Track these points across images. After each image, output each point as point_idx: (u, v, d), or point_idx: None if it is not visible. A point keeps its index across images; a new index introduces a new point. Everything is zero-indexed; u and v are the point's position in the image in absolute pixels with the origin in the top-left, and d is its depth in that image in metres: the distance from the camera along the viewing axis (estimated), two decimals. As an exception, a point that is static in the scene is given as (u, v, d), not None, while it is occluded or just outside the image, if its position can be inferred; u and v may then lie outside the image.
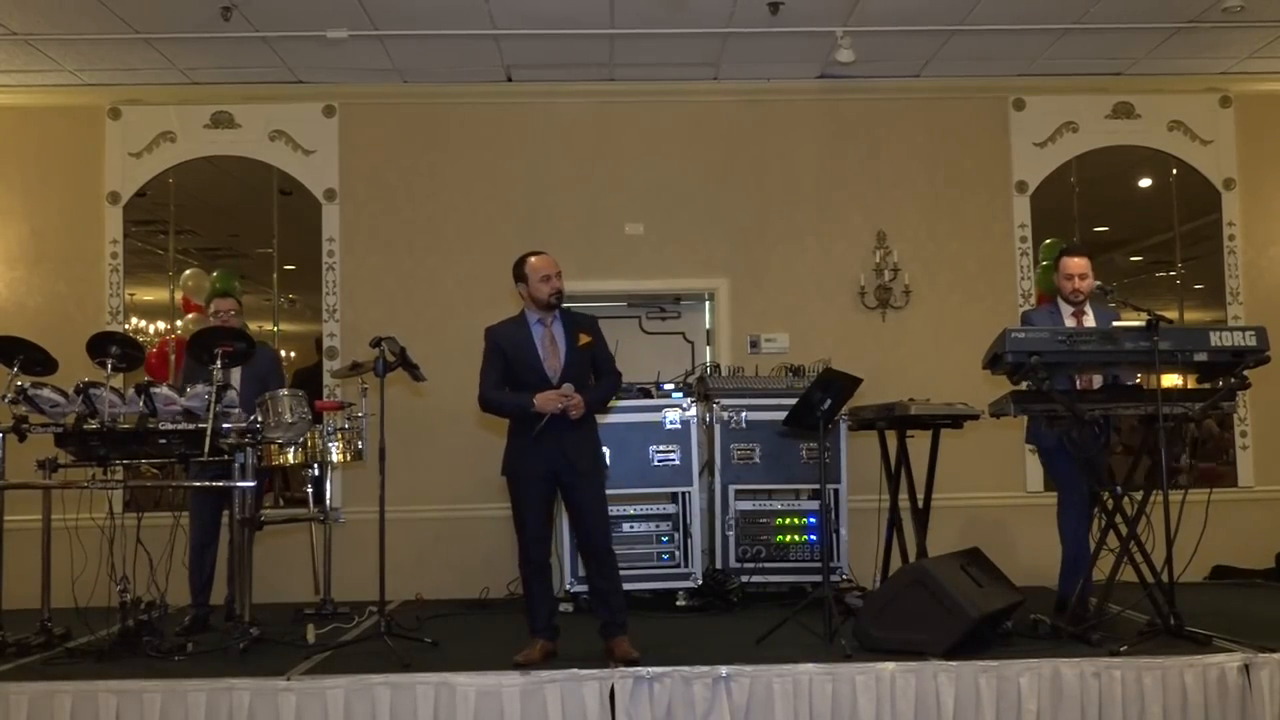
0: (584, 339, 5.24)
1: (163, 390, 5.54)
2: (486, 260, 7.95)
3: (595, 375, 5.32)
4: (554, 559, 5.96)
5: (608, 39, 7.38)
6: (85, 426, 5.45)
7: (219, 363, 5.50)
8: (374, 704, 4.69)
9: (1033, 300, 7.95)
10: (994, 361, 5.35)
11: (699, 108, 8.16)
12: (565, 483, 5.16)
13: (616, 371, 5.41)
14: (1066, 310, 5.93)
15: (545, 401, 5.04)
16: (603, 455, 5.35)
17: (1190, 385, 5.65)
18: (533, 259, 5.27)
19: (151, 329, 7.99)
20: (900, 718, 4.73)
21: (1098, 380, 5.77)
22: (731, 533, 6.88)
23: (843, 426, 6.91)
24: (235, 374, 6.29)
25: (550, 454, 5.09)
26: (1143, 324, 5.17)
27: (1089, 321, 5.87)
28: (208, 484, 5.90)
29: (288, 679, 4.77)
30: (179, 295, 7.92)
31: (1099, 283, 5.84)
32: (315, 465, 6.49)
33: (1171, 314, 7.56)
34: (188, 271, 7.90)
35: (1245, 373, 5.30)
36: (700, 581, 6.76)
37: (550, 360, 5.18)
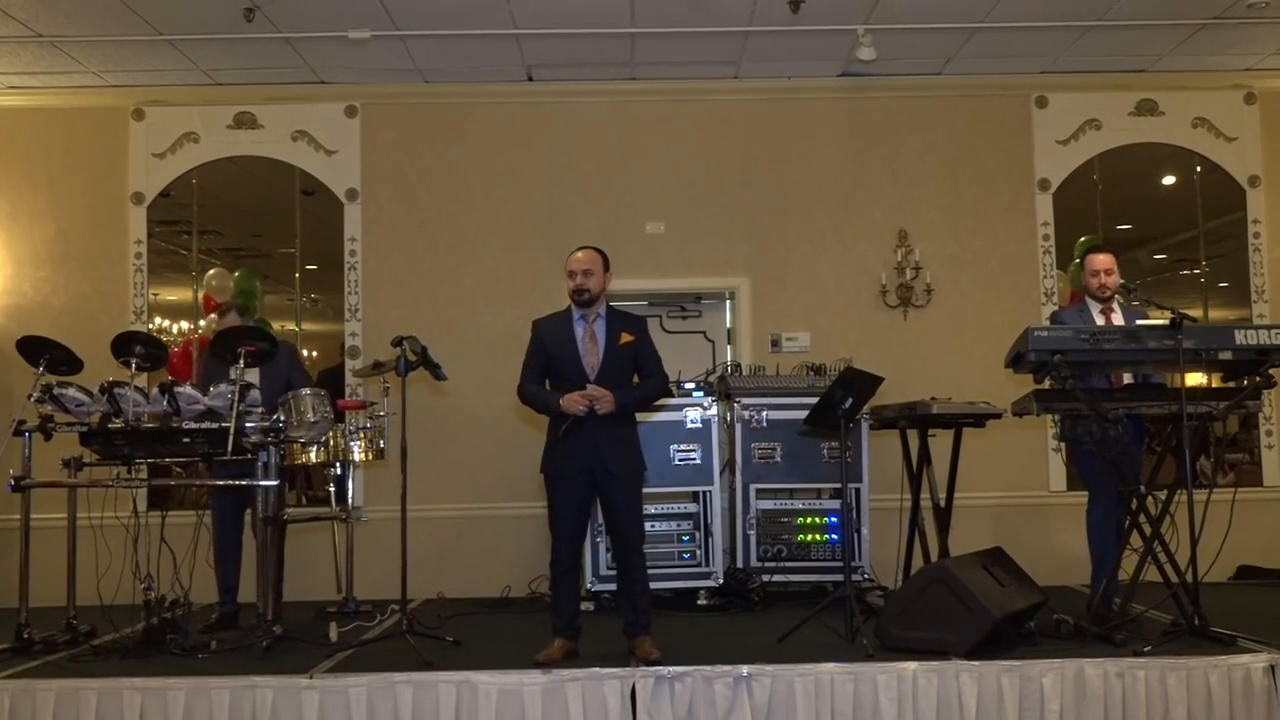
0: (625, 338, 5.24)
1: (186, 389, 5.59)
2: (507, 259, 7.97)
3: (639, 376, 5.31)
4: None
5: (628, 38, 7.38)
6: (110, 425, 5.50)
7: (241, 362, 5.52)
8: (396, 702, 4.72)
9: (1056, 299, 7.92)
10: (1016, 360, 5.34)
11: (720, 106, 8.15)
12: (601, 482, 5.15)
13: (662, 374, 5.36)
14: (1095, 308, 5.91)
15: (570, 402, 5.06)
16: (640, 456, 5.29)
17: (1215, 384, 5.60)
18: (573, 254, 5.31)
19: (175, 329, 8.03)
20: (922, 718, 4.72)
21: (1128, 378, 5.76)
22: (752, 532, 6.88)
23: (864, 425, 6.89)
24: (254, 373, 6.32)
25: (586, 453, 5.09)
26: (1167, 322, 5.15)
27: (1118, 320, 5.84)
28: (229, 483, 5.94)
29: (310, 677, 4.79)
30: (201, 295, 7.96)
31: (1122, 281, 5.82)
32: (337, 464, 6.52)
33: (1196, 312, 7.51)
34: (211, 271, 7.96)
35: (1271, 371, 5.26)
36: (721, 581, 6.76)
37: (589, 357, 5.19)
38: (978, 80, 8.09)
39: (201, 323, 7.91)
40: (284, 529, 6.45)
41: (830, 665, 4.81)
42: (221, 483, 6.00)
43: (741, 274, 8.04)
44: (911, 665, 4.79)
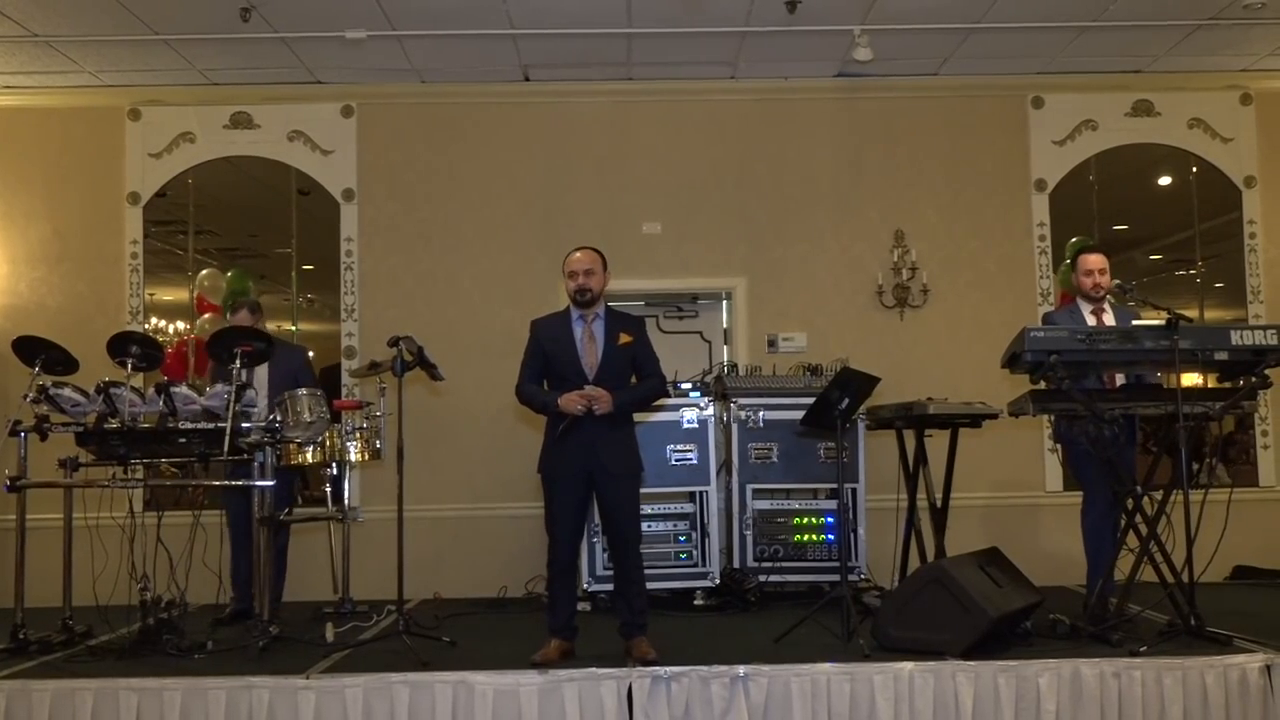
0: (624, 339, 5.24)
1: (182, 390, 5.58)
2: (504, 259, 7.97)
3: (637, 377, 5.31)
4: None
5: (625, 38, 7.38)
6: (106, 426, 5.50)
7: (238, 362, 5.52)
8: (393, 702, 4.71)
9: (1052, 299, 7.92)
10: (1013, 360, 5.34)
11: (717, 107, 8.15)
12: (598, 482, 5.15)
13: (659, 375, 5.37)
14: (1086, 309, 5.91)
15: (568, 402, 5.06)
16: (638, 456, 5.29)
17: (1211, 384, 5.61)
18: (573, 254, 5.31)
19: (171, 329, 8.03)
20: (919, 718, 4.72)
21: (1120, 379, 5.76)
22: (749, 532, 6.88)
23: (860, 426, 6.89)
24: (263, 374, 6.33)
25: (583, 454, 5.09)
26: (1163, 323, 5.15)
27: (1109, 320, 5.85)
28: (227, 483, 5.94)
29: (307, 677, 4.79)
30: (195, 295, 7.95)
31: (1118, 281, 5.82)
32: (334, 464, 6.50)
33: (1192, 313, 7.51)
34: (204, 271, 7.94)
35: (1266, 372, 5.27)
36: (718, 581, 6.76)
37: (588, 357, 5.20)
38: (974, 81, 8.09)
39: (197, 322, 7.89)
40: (288, 529, 6.48)
41: (827, 665, 4.81)
42: (217, 483, 6.01)
43: (738, 274, 8.04)
44: (908, 665, 4.79)
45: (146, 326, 7.83)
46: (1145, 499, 5.33)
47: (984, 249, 8.07)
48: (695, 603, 6.72)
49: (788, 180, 8.09)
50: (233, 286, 7.85)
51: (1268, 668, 4.80)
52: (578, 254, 5.29)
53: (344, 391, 7.74)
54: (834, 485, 6.64)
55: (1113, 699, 4.74)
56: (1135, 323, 5.44)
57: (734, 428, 6.95)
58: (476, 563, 7.57)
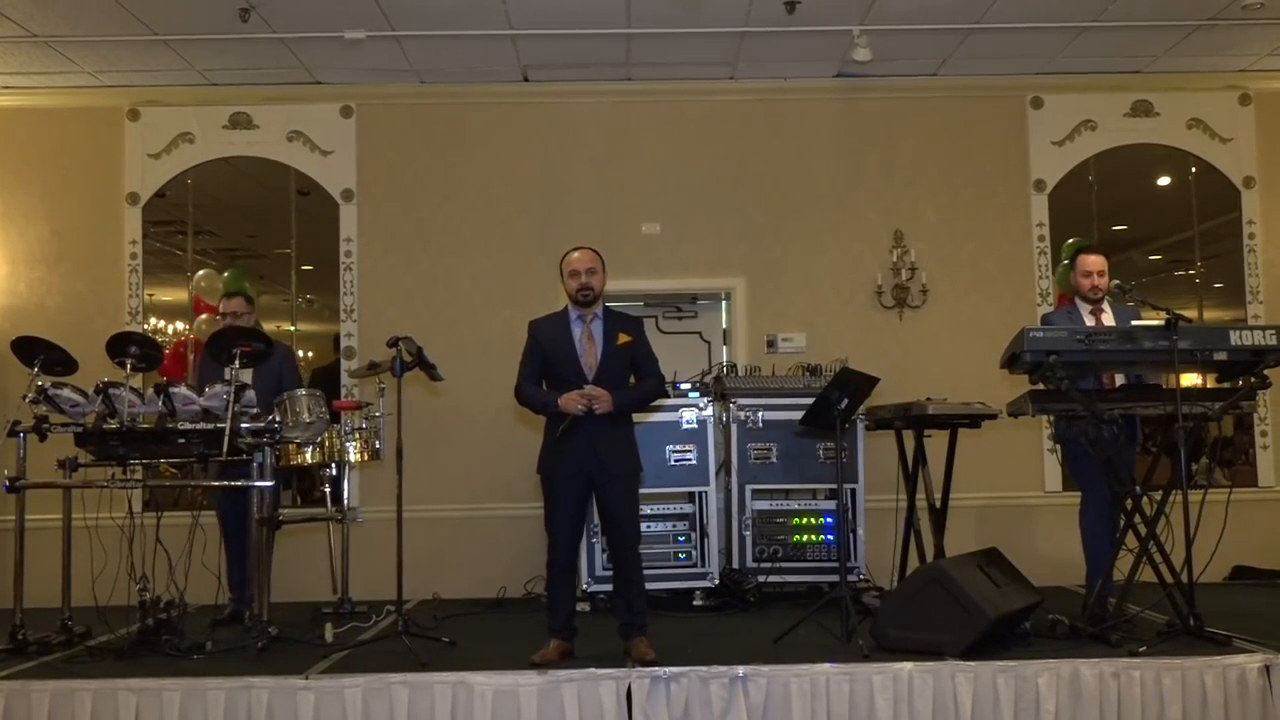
0: (623, 338, 5.25)
1: (181, 390, 5.57)
2: (503, 260, 7.97)
3: (636, 377, 5.32)
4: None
5: (624, 39, 7.38)
6: (105, 426, 5.49)
7: (237, 362, 5.51)
8: (392, 703, 4.71)
9: (1051, 300, 7.93)
10: (1012, 361, 5.34)
11: (716, 107, 8.15)
12: (597, 483, 5.15)
13: (658, 374, 5.38)
14: (1084, 309, 5.92)
15: (568, 402, 5.06)
16: (637, 456, 5.29)
17: (1210, 384, 5.61)
18: (571, 254, 5.31)
19: (170, 329, 8.02)
20: (918, 718, 4.72)
21: (1121, 379, 5.76)
22: (748, 532, 6.88)
23: (860, 426, 6.89)
24: (247, 373, 6.33)
25: (582, 454, 5.09)
26: (1162, 323, 5.16)
27: (1108, 320, 5.86)
28: (224, 484, 5.94)
29: (306, 678, 4.79)
30: (192, 296, 7.95)
31: (1117, 281, 5.82)
32: (333, 465, 6.50)
33: (1191, 313, 7.51)
34: (200, 272, 7.92)
35: (1266, 372, 5.27)
36: (717, 581, 6.76)
37: (587, 357, 5.20)
38: (973, 81, 8.09)
39: (195, 323, 7.89)
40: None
41: (826, 666, 4.81)
42: (216, 483, 6.01)
43: (737, 274, 8.04)
44: (907, 666, 4.79)
45: (145, 327, 7.82)
46: (1144, 499, 5.33)
47: (983, 249, 8.06)
48: (694, 603, 6.72)
49: (787, 180, 8.09)
50: (229, 287, 7.84)
51: (1267, 668, 4.80)
52: (577, 254, 5.29)
53: (343, 392, 7.73)
54: (833, 485, 6.63)
55: (1112, 699, 4.74)
56: (1134, 323, 5.43)
57: (733, 428, 6.95)
58: (476, 563, 7.57)
